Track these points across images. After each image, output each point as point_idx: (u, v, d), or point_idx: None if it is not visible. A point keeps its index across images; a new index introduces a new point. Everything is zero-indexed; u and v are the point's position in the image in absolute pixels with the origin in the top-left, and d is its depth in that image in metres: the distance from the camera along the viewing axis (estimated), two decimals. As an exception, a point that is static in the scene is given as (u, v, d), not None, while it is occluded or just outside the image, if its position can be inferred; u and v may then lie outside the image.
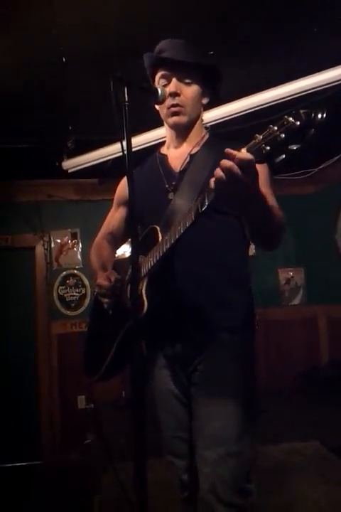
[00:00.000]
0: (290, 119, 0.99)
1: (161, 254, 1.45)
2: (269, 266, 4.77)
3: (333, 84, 2.77)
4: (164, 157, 1.72)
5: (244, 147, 1.10)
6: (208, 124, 1.85)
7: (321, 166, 4.44)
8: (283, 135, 1.01)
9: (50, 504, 3.38)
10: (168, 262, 1.50)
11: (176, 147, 1.71)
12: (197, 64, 1.62)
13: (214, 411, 1.49)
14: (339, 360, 4.46)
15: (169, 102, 1.60)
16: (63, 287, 4.71)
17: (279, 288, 5.00)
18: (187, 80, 1.61)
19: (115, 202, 1.89)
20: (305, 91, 2.82)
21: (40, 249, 4.68)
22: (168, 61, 1.61)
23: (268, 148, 1.04)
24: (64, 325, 4.66)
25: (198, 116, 1.69)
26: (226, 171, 1.09)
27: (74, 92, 3.03)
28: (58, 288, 4.70)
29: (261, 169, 1.29)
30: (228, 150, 1.10)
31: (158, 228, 1.53)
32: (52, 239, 4.72)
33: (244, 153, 1.08)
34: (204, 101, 1.69)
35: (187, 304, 1.54)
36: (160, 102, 1.57)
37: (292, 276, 5.02)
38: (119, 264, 1.78)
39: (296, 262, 5.01)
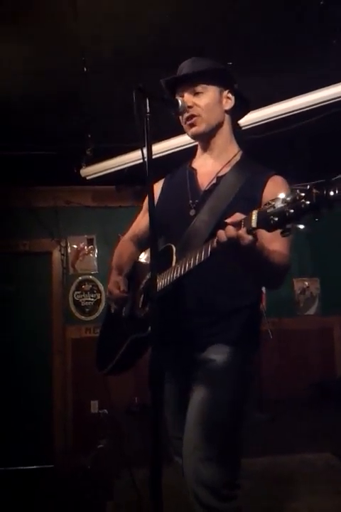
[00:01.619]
0: (302, 195, 1.00)
1: (170, 282, 1.50)
2: (284, 276, 4.75)
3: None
4: (193, 172, 1.73)
5: (255, 210, 1.13)
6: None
7: (337, 177, 4.41)
8: (292, 211, 1.02)
9: (62, 508, 3.40)
10: (178, 286, 1.54)
11: (206, 160, 1.72)
12: (200, 72, 1.63)
13: (200, 417, 1.53)
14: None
15: (185, 116, 1.64)
16: (79, 292, 4.76)
17: (294, 298, 4.98)
18: (198, 90, 1.63)
19: (144, 206, 1.92)
20: (322, 102, 2.82)
21: (56, 255, 4.74)
22: (176, 79, 1.66)
23: (276, 219, 1.06)
24: (78, 330, 4.70)
25: (220, 123, 1.67)
26: (227, 240, 1.17)
27: (94, 100, 3.08)
28: (74, 293, 4.75)
29: None
30: (230, 224, 1.17)
31: (174, 250, 1.57)
32: (68, 244, 4.78)
33: (244, 235, 1.15)
34: (227, 106, 1.67)
35: (189, 320, 1.60)
36: (181, 113, 1.60)
37: (307, 287, 4.99)
38: (139, 267, 1.83)
39: (312, 272, 4.98)
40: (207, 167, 1.70)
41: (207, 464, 1.49)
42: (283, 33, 2.51)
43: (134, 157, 3.55)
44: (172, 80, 1.67)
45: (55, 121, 3.36)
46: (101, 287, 4.78)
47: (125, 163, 3.70)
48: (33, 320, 4.68)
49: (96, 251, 4.84)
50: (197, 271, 1.50)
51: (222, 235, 1.18)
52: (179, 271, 1.45)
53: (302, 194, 1.00)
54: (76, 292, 4.75)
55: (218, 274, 1.58)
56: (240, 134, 1.80)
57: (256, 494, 2.59)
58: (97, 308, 4.76)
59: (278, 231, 1.08)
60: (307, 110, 2.93)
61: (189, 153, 1.84)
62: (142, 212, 1.94)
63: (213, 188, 1.64)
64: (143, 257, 1.88)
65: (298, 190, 1.01)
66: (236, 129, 1.76)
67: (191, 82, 1.63)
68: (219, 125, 1.67)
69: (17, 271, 4.71)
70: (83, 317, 4.74)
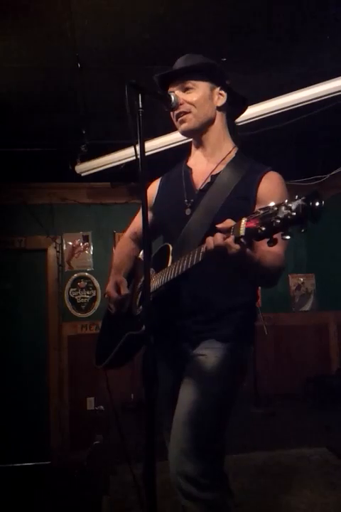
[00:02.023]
0: (290, 206, 1.01)
1: (165, 281, 1.53)
2: (280, 272, 4.76)
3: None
4: (189, 171, 1.73)
5: (245, 217, 1.14)
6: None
7: (332, 173, 4.43)
8: (279, 222, 1.03)
9: (59, 504, 3.41)
10: (174, 285, 1.56)
11: (200, 159, 1.72)
12: (189, 67, 1.63)
13: (185, 410, 1.55)
14: (350, 368, 4.44)
15: (175, 113, 1.64)
16: (74, 289, 4.75)
17: (290, 294, 4.99)
18: (188, 86, 1.63)
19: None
20: (315, 98, 2.83)
21: (52, 252, 4.73)
22: (167, 76, 1.65)
23: (263, 228, 1.07)
24: (74, 327, 4.70)
25: (211, 120, 1.66)
26: (215, 248, 1.19)
27: (88, 97, 3.07)
28: (69, 290, 4.74)
29: None
30: (219, 229, 1.19)
31: (171, 249, 1.61)
32: (64, 241, 4.77)
33: (231, 244, 1.16)
34: (219, 103, 1.66)
35: (184, 317, 1.63)
36: (174, 109, 1.60)
37: (303, 283, 5.01)
38: (139, 264, 1.85)
39: (307, 268, 5.00)
40: (201, 165, 1.70)
41: (186, 456, 1.50)
42: (279, 29, 2.51)
43: (129, 154, 3.55)
44: (164, 77, 1.67)
45: (50, 118, 3.35)
46: (97, 284, 4.78)
47: (120, 160, 3.69)
48: (29, 317, 4.67)
49: (92, 248, 4.83)
50: (193, 276, 1.53)
51: (210, 242, 1.20)
52: (172, 273, 1.49)
53: (290, 205, 1.01)
54: (71, 289, 4.74)
55: (214, 272, 1.57)
56: (236, 130, 1.79)
57: (253, 488, 2.61)
58: (93, 305, 4.76)
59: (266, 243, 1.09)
60: (302, 106, 2.94)
61: (184, 151, 1.84)
62: (141, 210, 1.94)
63: (208, 187, 1.64)
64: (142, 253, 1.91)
65: (286, 201, 1.03)
66: (231, 126, 1.75)
67: (181, 78, 1.63)
68: (211, 122, 1.67)
69: (12, 268, 4.70)
70: (79, 314, 4.74)
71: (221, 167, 1.65)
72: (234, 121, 1.79)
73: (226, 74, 1.68)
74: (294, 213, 1.00)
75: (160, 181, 1.85)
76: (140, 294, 1.72)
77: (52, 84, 2.93)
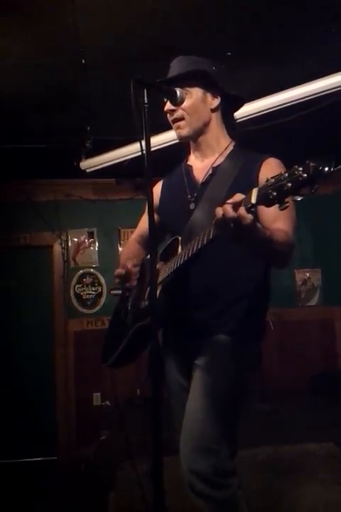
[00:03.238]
0: (300, 169, 1.02)
1: (175, 268, 1.55)
2: (285, 266, 4.74)
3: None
4: (189, 168, 1.75)
5: (255, 187, 1.14)
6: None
7: (338, 167, 4.40)
8: (290, 184, 1.04)
9: (65, 499, 3.42)
10: (183, 272, 1.58)
11: (200, 158, 1.74)
12: (181, 76, 1.62)
13: (196, 406, 1.56)
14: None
15: (170, 118, 1.67)
16: (80, 285, 4.77)
17: (296, 289, 4.98)
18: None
19: (146, 206, 1.94)
20: (321, 92, 2.81)
21: (57, 248, 4.74)
22: (160, 82, 1.62)
23: (274, 193, 1.08)
24: (80, 323, 4.71)
25: (207, 123, 1.68)
26: (225, 218, 1.18)
27: (93, 93, 3.07)
28: (75, 286, 4.76)
29: None
30: (228, 203, 1.17)
31: (180, 239, 1.61)
32: (69, 238, 4.78)
33: (244, 214, 1.14)
34: (213, 105, 1.67)
35: (193, 308, 1.62)
36: (179, 104, 1.60)
37: (309, 277, 4.99)
38: (146, 263, 1.84)
39: (313, 262, 4.98)
40: (201, 162, 1.73)
41: (199, 453, 1.51)
42: (281, 24, 2.49)
43: (134, 149, 3.54)
44: (156, 85, 1.64)
45: (55, 115, 3.35)
46: (103, 280, 4.79)
47: (125, 156, 3.69)
48: (35, 314, 4.69)
49: (97, 244, 4.84)
50: (201, 261, 1.54)
51: (219, 212, 1.19)
52: (182, 258, 1.50)
53: (300, 168, 1.03)
54: (77, 285, 4.75)
55: (222, 264, 1.60)
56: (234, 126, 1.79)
57: (259, 484, 2.61)
58: (99, 301, 4.77)
59: (277, 208, 1.10)
60: (307, 100, 2.92)
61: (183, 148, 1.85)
62: (145, 213, 1.96)
63: (210, 179, 1.66)
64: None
65: (295, 166, 1.04)
66: (229, 123, 1.76)
67: (175, 85, 1.62)
68: (206, 124, 1.69)
69: (18, 265, 4.71)
70: (85, 310, 4.75)
71: (221, 159, 1.68)
72: (232, 117, 1.79)
73: (221, 76, 1.67)
74: (304, 174, 1.01)
75: (163, 183, 1.88)
76: (148, 290, 1.71)
77: (57, 81, 2.93)
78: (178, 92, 1.54)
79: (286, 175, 1.05)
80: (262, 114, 3.03)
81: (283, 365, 4.66)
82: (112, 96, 3.06)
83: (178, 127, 1.66)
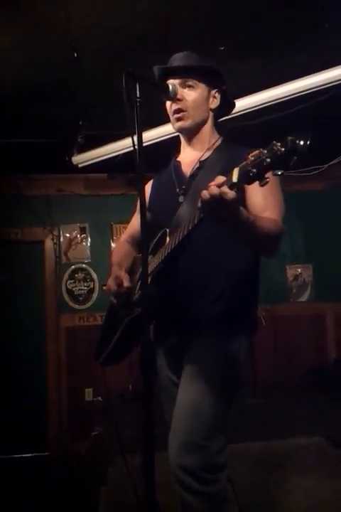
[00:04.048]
0: (278, 144, 1.04)
1: (163, 258, 1.56)
2: (277, 262, 4.77)
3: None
4: (178, 164, 1.79)
5: (236, 166, 1.15)
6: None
7: (330, 163, 4.42)
8: (269, 160, 1.05)
9: (57, 495, 3.42)
10: (172, 262, 1.58)
11: (188, 153, 1.77)
12: (195, 67, 1.66)
13: (185, 401, 1.56)
14: (346, 358, 4.47)
15: (173, 107, 1.67)
16: (72, 281, 4.75)
17: (287, 284, 5.00)
18: (189, 84, 1.66)
19: (137, 207, 1.95)
20: (314, 88, 2.82)
21: (49, 243, 4.72)
22: (169, 69, 1.68)
23: (254, 170, 1.09)
24: (72, 318, 4.70)
25: (204, 120, 1.72)
26: (211, 197, 1.18)
27: (85, 87, 3.05)
28: (67, 282, 4.74)
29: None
30: (211, 184, 1.18)
31: (167, 231, 1.63)
32: (61, 233, 4.76)
33: (226, 190, 1.15)
34: (213, 105, 1.72)
35: (183, 300, 1.63)
36: (171, 99, 1.62)
37: (300, 273, 5.02)
38: (138, 260, 1.86)
39: (305, 258, 5.00)
40: (190, 157, 1.75)
41: (187, 449, 1.50)
42: (277, 18, 2.49)
43: (126, 144, 3.53)
44: (166, 69, 1.69)
45: (46, 109, 3.32)
46: (95, 276, 4.78)
47: (117, 151, 3.67)
48: (27, 309, 4.67)
49: (89, 239, 4.82)
50: (189, 251, 1.54)
51: (205, 194, 1.19)
52: (170, 246, 1.51)
53: (278, 143, 1.04)
54: (69, 281, 4.74)
55: (210, 254, 1.62)
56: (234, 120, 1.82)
57: (251, 478, 2.62)
58: (91, 297, 4.76)
59: (258, 185, 1.11)
60: (303, 94, 2.93)
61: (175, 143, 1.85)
62: (136, 213, 1.98)
63: (197, 172, 1.69)
64: None
65: (274, 141, 1.06)
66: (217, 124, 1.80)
67: (183, 74, 1.66)
68: (204, 122, 1.73)
69: (9, 260, 4.68)
70: (77, 306, 4.74)
71: (208, 153, 1.71)
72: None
73: (224, 79, 1.72)
74: (282, 148, 1.03)
75: (152, 182, 1.91)
76: (138, 283, 1.73)
77: (49, 75, 2.91)
78: (171, 87, 1.55)
79: (265, 151, 1.06)
80: (253, 110, 3.03)
81: (275, 360, 4.69)
82: (104, 90, 3.04)
83: (180, 118, 1.67)
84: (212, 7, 2.36)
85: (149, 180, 1.90)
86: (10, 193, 4.54)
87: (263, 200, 1.53)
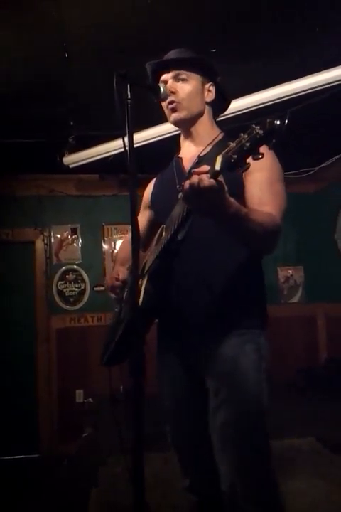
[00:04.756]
0: (257, 127, 1.04)
1: (158, 253, 1.55)
2: (269, 264, 4.78)
3: (334, 84, 2.78)
4: (179, 160, 1.77)
5: (219, 155, 1.13)
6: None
7: (321, 165, 4.45)
8: (248, 144, 1.05)
9: (47, 496, 3.41)
10: (171, 259, 1.57)
11: (188, 148, 1.75)
12: (187, 59, 1.67)
13: (228, 442, 1.52)
14: (337, 359, 4.49)
15: (167, 100, 1.65)
16: (62, 282, 4.73)
17: (278, 286, 5.02)
18: (182, 77, 1.66)
19: (142, 206, 1.97)
20: (303, 91, 2.83)
21: (40, 244, 4.70)
22: (162, 63, 1.68)
23: (235, 156, 1.08)
24: (63, 319, 4.68)
25: (201, 113, 1.70)
26: (190, 187, 1.16)
27: (76, 87, 3.04)
28: (57, 283, 4.72)
29: (260, 173, 1.42)
30: (194, 171, 1.17)
31: (164, 227, 1.61)
32: (52, 234, 4.75)
33: (203, 177, 1.14)
34: (208, 98, 1.71)
35: (184, 299, 1.59)
36: (163, 100, 1.62)
37: (291, 275, 5.04)
38: (141, 258, 1.84)
39: (296, 260, 5.03)
40: (191, 153, 1.73)
41: (245, 461, 1.50)
42: (272, 20, 2.50)
43: (118, 145, 3.52)
44: (158, 65, 1.69)
45: (37, 109, 3.30)
46: (86, 277, 4.77)
47: (109, 152, 3.66)
48: (17, 310, 4.65)
49: (80, 240, 4.81)
50: (189, 246, 1.54)
51: (186, 184, 1.18)
52: (164, 241, 1.50)
53: (257, 126, 1.04)
54: (60, 282, 4.72)
55: (210, 248, 1.58)
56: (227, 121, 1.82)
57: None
58: (82, 298, 4.75)
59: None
60: (290, 98, 2.94)
61: (171, 143, 1.84)
62: (141, 211, 1.97)
63: (196, 166, 1.64)
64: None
65: (253, 125, 1.06)
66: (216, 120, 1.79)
67: (176, 68, 1.66)
68: (200, 114, 1.71)
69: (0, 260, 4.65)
70: (67, 307, 4.72)
71: (208, 148, 1.68)
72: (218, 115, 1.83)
73: (217, 71, 1.72)
74: (261, 131, 1.03)
75: (155, 180, 1.90)
76: (139, 281, 1.68)
77: (40, 75, 2.89)
78: (162, 88, 1.55)
79: (245, 136, 1.06)
80: (249, 111, 3.04)
81: (266, 361, 4.70)
82: (96, 90, 3.04)
83: (175, 109, 1.66)
84: (208, 9, 2.36)
85: (144, 181, 1.88)
86: (0, 194, 4.51)
87: (260, 193, 1.49)
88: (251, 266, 1.64)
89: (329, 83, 2.79)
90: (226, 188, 1.18)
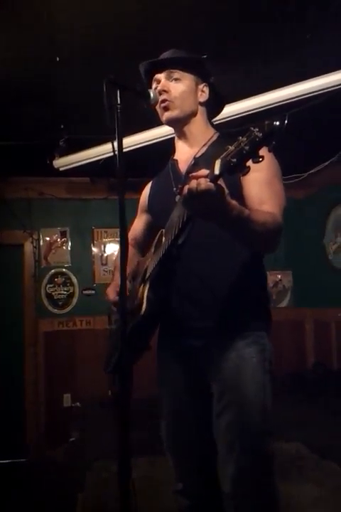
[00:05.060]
0: (256, 129, 1.02)
1: (158, 260, 1.53)
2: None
3: (324, 91, 2.81)
4: (174, 162, 1.75)
5: (218, 158, 1.12)
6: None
7: (311, 171, 4.49)
8: (248, 147, 1.03)
9: (34, 501, 3.38)
10: (172, 263, 1.56)
11: (183, 150, 1.74)
12: (180, 59, 1.67)
13: (235, 431, 1.52)
14: (325, 363, 4.52)
15: (160, 99, 1.65)
16: (51, 285, 4.71)
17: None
18: (175, 77, 1.65)
19: (139, 209, 1.97)
20: (294, 97, 2.86)
21: (29, 247, 4.67)
22: (156, 63, 1.68)
23: (234, 160, 1.06)
24: (51, 323, 4.66)
25: (194, 113, 1.69)
26: (188, 191, 1.14)
27: (67, 91, 3.03)
28: (46, 286, 4.70)
29: (258, 173, 1.37)
30: (192, 175, 1.15)
31: (163, 232, 1.60)
32: (41, 236, 4.72)
33: (201, 180, 1.12)
34: (201, 98, 1.69)
35: (186, 303, 1.59)
36: (153, 105, 1.62)
37: (280, 279, 5.07)
38: (141, 263, 1.85)
39: (284, 265, 5.05)
40: (186, 154, 1.72)
41: (250, 460, 1.51)
42: (260, 27, 2.52)
43: (108, 149, 3.49)
44: (151, 65, 1.69)
45: (28, 111, 3.29)
46: (75, 280, 4.75)
47: (99, 155, 3.66)
48: (5, 313, 4.60)
49: (70, 243, 4.79)
50: (190, 250, 1.53)
51: (184, 189, 1.16)
52: (164, 247, 1.49)
53: (256, 128, 1.03)
54: (48, 285, 4.69)
55: (212, 252, 1.58)
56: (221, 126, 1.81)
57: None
58: (70, 302, 4.73)
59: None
60: (281, 105, 2.96)
61: (163, 147, 1.84)
62: (138, 215, 1.97)
63: (193, 168, 1.62)
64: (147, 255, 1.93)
65: (251, 127, 1.04)
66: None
67: (169, 67, 1.66)
68: (193, 114, 1.69)
69: (-12, 263, 4.62)
70: (56, 310, 4.70)
71: (204, 149, 1.67)
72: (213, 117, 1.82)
73: (210, 72, 1.72)
74: (260, 133, 1.02)
75: (152, 182, 1.89)
76: (140, 287, 1.69)
77: (31, 77, 2.88)
78: (152, 94, 1.55)
79: (244, 139, 1.04)
80: (242, 116, 3.05)
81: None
82: (87, 93, 3.03)
83: (168, 108, 1.65)
84: (198, 15, 2.37)
85: (136, 184, 1.89)
86: (-11, 196, 4.49)
87: (259, 193, 1.48)
88: (253, 267, 1.64)
89: (319, 90, 2.82)
90: (227, 191, 1.16)
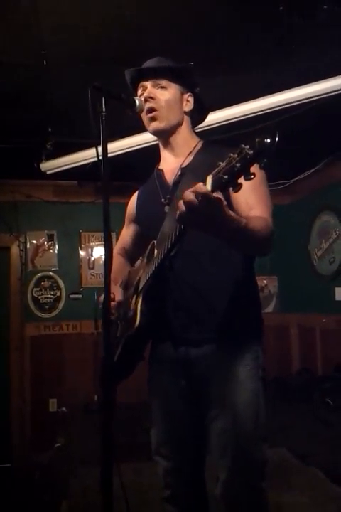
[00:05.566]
0: (247, 147, 1.03)
1: (151, 273, 1.53)
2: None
3: (309, 99, 2.85)
4: (160, 172, 1.76)
5: (209, 174, 1.12)
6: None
7: (296, 178, 4.54)
8: (239, 164, 1.04)
9: (18, 507, 3.35)
10: (164, 274, 1.56)
11: (169, 160, 1.75)
12: (167, 68, 1.68)
13: (227, 421, 1.53)
14: (310, 369, 4.56)
15: (146, 107, 1.64)
16: (38, 289, 4.68)
17: (253, 296, 5.06)
18: (162, 84, 1.66)
19: (126, 219, 1.97)
20: (283, 105, 2.89)
21: (15, 250, 4.64)
22: (142, 71, 1.68)
23: (226, 177, 1.07)
24: (37, 327, 4.62)
25: (180, 123, 1.70)
26: (186, 204, 1.13)
27: (54, 94, 3.03)
28: (32, 290, 4.67)
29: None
30: (190, 190, 1.13)
31: (155, 243, 1.61)
32: (28, 240, 4.69)
33: (201, 191, 1.10)
34: (187, 108, 1.71)
35: (180, 313, 1.59)
36: (138, 113, 1.62)
37: (266, 285, 5.10)
38: (133, 272, 1.85)
39: (270, 270, 5.08)
40: (171, 164, 1.72)
41: (242, 465, 1.53)
42: (246, 36, 2.54)
43: (95, 153, 3.51)
44: (137, 72, 1.69)
45: (15, 115, 3.28)
46: (62, 284, 4.73)
47: (87, 159, 3.66)
48: (-10, 317, 4.57)
49: (57, 247, 4.77)
50: (182, 262, 1.54)
51: (181, 204, 1.15)
52: (157, 260, 1.49)
53: (247, 146, 1.03)
54: (35, 289, 4.67)
55: (204, 263, 1.58)
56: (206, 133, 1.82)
57: (213, 489, 2.63)
58: (57, 306, 4.70)
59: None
60: (268, 112, 2.99)
61: (149, 152, 1.85)
62: (125, 226, 1.98)
63: (180, 179, 1.66)
64: (137, 263, 1.93)
65: (242, 144, 1.04)
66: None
67: (156, 76, 1.66)
68: (179, 124, 1.71)
69: (-27, 266, 4.58)
70: (42, 314, 4.67)
71: (189, 158, 1.68)
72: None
73: (196, 82, 1.73)
74: (251, 151, 1.02)
75: (138, 192, 1.89)
76: (133, 298, 1.69)
77: (18, 81, 2.87)
78: (137, 102, 1.55)
79: (235, 155, 1.05)
80: (226, 124, 3.07)
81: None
82: (74, 98, 3.02)
83: (154, 118, 1.65)
84: (186, 22, 2.39)
85: (123, 188, 1.89)
86: (-25, 198, 4.45)
87: (247, 198, 1.49)
88: (245, 275, 1.65)
89: (305, 98, 2.86)
90: (225, 203, 1.16)
